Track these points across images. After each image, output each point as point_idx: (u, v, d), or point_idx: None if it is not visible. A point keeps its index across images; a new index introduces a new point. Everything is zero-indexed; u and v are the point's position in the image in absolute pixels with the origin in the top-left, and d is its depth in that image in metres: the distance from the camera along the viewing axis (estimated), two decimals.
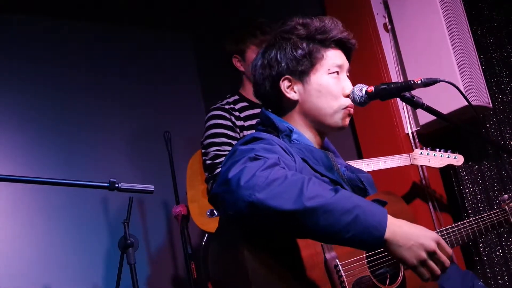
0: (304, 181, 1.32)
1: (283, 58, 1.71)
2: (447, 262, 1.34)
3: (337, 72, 1.72)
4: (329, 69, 1.71)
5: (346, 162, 1.90)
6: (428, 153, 2.68)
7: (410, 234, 1.33)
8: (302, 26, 1.73)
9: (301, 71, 1.70)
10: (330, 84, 1.70)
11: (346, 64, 1.76)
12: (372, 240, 1.30)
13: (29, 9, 3.63)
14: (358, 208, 1.30)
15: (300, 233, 1.36)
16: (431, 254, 1.33)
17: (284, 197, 1.29)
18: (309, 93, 1.70)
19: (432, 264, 1.33)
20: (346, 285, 1.46)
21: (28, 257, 3.21)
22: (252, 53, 2.73)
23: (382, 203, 1.42)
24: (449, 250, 1.38)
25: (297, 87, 1.72)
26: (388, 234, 1.30)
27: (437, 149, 2.69)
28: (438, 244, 1.35)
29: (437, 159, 2.68)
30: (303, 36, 1.71)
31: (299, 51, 1.70)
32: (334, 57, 1.73)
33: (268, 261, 1.38)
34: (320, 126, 1.73)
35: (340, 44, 1.76)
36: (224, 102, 2.81)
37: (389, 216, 1.32)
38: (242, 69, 2.83)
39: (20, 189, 3.25)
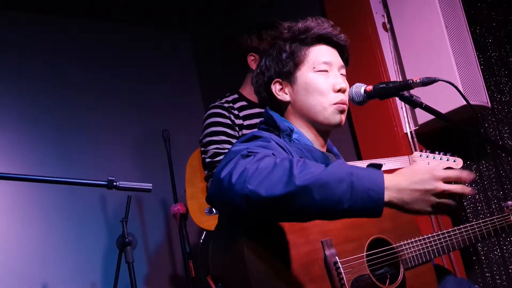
0: (292, 163, 1.30)
1: (271, 63, 1.77)
2: (457, 189, 1.28)
3: (325, 70, 1.72)
4: (314, 67, 1.72)
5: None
6: (427, 156, 2.68)
7: (412, 184, 1.27)
8: (287, 30, 1.77)
9: (287, 72, 1.74)
10: (317, 81, 1.71)
11: (336, 60, 1.76)
12: (373, 204, 1.25)
13: (28, 8, 3.62)
14: (352, 175, 1.26)
15: (299, 215, 1.33)
16: (440, 194, 1.28)
17: (275, 182, 1.27)
18: (297, 93, 1.73)
19: (445, 201, 1.28)
20: (345, 283, 1.46)
21: (26, 255, 3.21)
22: None
23: (378, 166, 1.40)
24: (451, 173, 1.30)
25: (287, 88, 1.75)
26: (389, 194, 1.26)
27: (437, 152, 2.69)
28: (441, 178, 1.28)
29: (436, 162, 2.67)
30: (288, 38, 1.76)
31: (283, 54, 1.75)
32: (318, 54, 1.74)
33: (267, 256, 1.39)
34: (315, 124, 1.74)
35: (326, 41, 1.76)
36: (223, 100, 2.80)
37: (386, 175, 1.28)
38: (254, 68, 2.79)
39: (19, 187, 3.25)
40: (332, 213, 1.29)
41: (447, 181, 1.29)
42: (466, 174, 1.31)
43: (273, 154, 1.43)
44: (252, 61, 2.80)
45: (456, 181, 1.30)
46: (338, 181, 1.26)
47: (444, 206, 1.29)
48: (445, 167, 2.65)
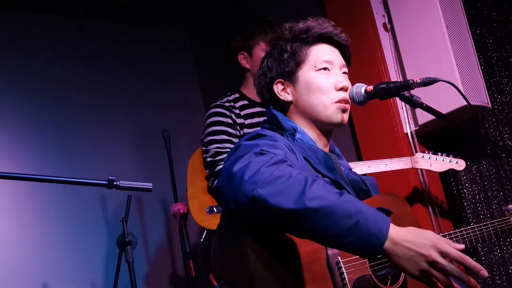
0: (307, 181, 1.30)
1: (273, 64, 1.77)
2: (451, 269, 1.25)
3: (327, 68, 1.73)
4: (315, 66, 1.73)
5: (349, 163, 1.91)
6: (430, 157, 2.68)
7: (410, 244, 1.26)
8: (288, 30, 1.78)
9: (289, 72, 1.75)
10: (318, 80, 1.71)
11: (337, 59, 1.76)
12: (371, 248, 1.26)
13: (28, 8, 3.62)
14: (360, 213, 1.26)
15: (299, 232, 1.35)
16: (432, 264, 1.25)
17: (286, 195, 1.28)
18: (299, 92, 1.73)
19: (435, 273, 1.26)
20: (347, 282, 1.46)
21: (26, 255, 3.21)
22: (260, 50, 2.71)
23: (387, 212, 1.39)
24: (455, 253, 1.27)
25: (290, 88, 1.76)
26: (388, 244, 1.26)
27: (439, 153, 2.69)
28: (441, 251, 1.26)
29: (439, 163, 2.67)
30: (289, 38, 1.76)
31: (285, 54, 1.75)
32: (319, 53, 1.74)
33: (269, 255, 1.39)
34: (318, 123, 1.74)
35: (327, 40, 1.77)
36: (224, 99, 2.81)
37: (392, 225, 1.28)
38: (247, 66, 2.81)
39: (19, 187, 3.25)
40: (329, 242, 1.32)
41: (450, 256, 1.26)
42: (472, 264, 1.27)
43: (285, 157, 1.43)
44: (243, 59, 2.82)
45: (463, 265, 1.27)
46: (346, 216, 1.26)
47: (434, 277, 1.26)
48: (447, 168, 2.66)
